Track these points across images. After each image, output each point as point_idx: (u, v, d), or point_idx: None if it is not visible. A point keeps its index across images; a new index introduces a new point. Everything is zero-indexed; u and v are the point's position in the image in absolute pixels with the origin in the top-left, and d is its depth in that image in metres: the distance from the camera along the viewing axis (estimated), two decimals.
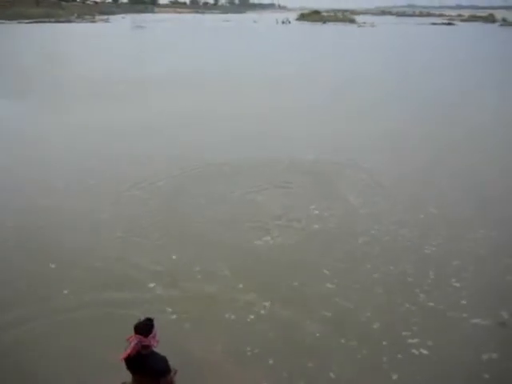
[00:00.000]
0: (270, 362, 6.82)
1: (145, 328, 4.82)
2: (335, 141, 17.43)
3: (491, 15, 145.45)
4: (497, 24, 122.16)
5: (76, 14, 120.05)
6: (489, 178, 13.76)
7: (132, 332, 4.81)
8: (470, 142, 17.28)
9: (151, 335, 4.81)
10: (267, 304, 8.02)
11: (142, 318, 4.92)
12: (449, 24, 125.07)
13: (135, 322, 4.89)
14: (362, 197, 12.37)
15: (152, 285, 8.47)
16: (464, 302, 8.13)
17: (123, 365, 4.93)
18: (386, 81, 32.05)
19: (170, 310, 7.83)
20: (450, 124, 19.89)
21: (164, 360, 4.97)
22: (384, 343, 7.19)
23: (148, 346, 4.82)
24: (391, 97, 26.45)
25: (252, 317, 7.72)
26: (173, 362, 5.15)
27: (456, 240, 10.29)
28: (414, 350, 7.05)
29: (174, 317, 7.69)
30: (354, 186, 13.11)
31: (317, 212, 11.53)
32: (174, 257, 9.43)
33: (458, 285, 8.61)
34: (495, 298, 8.30)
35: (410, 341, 7.24)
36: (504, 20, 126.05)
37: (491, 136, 18.27)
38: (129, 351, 4.74)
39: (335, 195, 12.47)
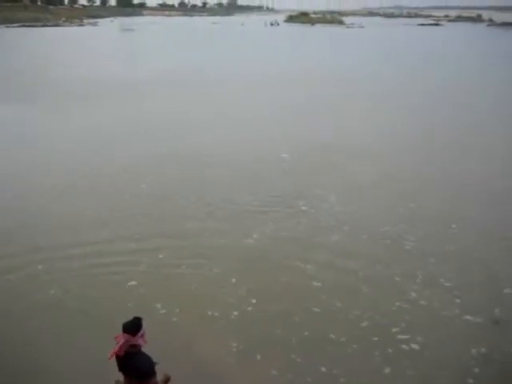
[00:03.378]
0: (258, 357, 6.74)
1: (133, 327, 4.66)
2: (319, 138, 17.47)
3: (479, 15, 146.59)
4: (484, 24, 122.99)
5: (64, 18, 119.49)
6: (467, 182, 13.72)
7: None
8: (451, 146, 17.16)
9: (139, 334, 4.66)
10: (254, 301, 7.96)
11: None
12: (436, 25, 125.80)
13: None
14: (343, 195, 12.34)
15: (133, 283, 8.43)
16: (458, 300, 8.07)
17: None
18: (377, 80, 32.13)
19: (158, 305, 7.82)
20: (434, 127, 19.77)
21: (149, 361, 4.80)
22: (374, 339, 7.12)
23: (135, 346, 4.67)
24: (379, 97, 26.50)
25: (236, 313, 7.67)
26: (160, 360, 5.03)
27: (433, 235, 10.32)
28: (404, 346, 6.99)
29: (164, 311, 7.69)
30: (336, 184, 13.10)
31: (304, 208, 11.50)
32: (160, 256, 9.34)
33: (448, 284, 8.54)
34: (486, 296, 8.26)
35: (400, 336, 7.18)
36: (491, 20, 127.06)
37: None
38: (116, 350, 4.61)
39: (317, 194, 12.41)
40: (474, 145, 16.75)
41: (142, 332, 4.68)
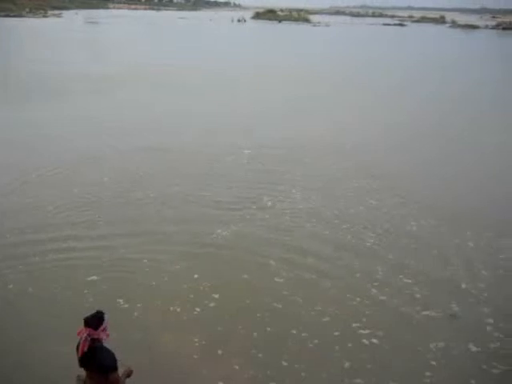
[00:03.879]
0: (219, 352, 6.76)
1: (94, 321, 4.64)
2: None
3: (442, 17, 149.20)
4: (446, 25, 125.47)
5: (28, 9, 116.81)
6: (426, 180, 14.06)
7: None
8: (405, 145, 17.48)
9: (101, 328, 4.63)
10: (216, 296, 7.97)
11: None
12: (400, 25, 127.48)
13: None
14: (307, 192, 12.40)
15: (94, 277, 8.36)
16: (417, 295, 8.22)
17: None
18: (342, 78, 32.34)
19: (121, 301, 7.78)
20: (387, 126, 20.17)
21: (111, 355, 4.76)
22: (336, 334, 7.20)
23: (97, 340, 4.64)
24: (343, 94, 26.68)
25: (198, 309, 7.67)
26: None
27: (393, 232, 10.45)
28: (364, 340, 7.09)
29: (126, 306, 7.67)
30: (301, 180, 13.17)
31: (269, 204, 11.56)
32: (122, 250, 9.28)
33: (407, 280, 8.67)
34: (444, 291, 8.41)
35: (360, 331, 7.28)
36: (453, 22, 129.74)
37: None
38: (81, 348, 4.56)
39: (282, 190, 12.47)
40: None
41: (104, 326, 4.66)
